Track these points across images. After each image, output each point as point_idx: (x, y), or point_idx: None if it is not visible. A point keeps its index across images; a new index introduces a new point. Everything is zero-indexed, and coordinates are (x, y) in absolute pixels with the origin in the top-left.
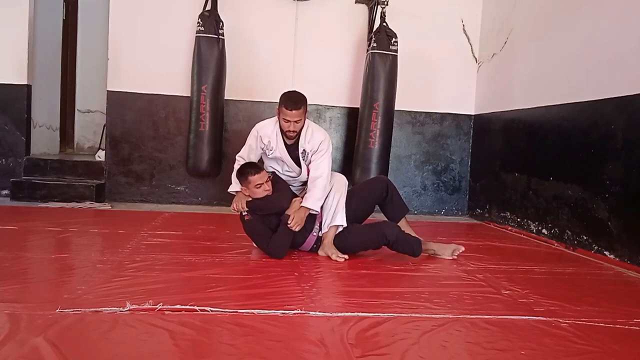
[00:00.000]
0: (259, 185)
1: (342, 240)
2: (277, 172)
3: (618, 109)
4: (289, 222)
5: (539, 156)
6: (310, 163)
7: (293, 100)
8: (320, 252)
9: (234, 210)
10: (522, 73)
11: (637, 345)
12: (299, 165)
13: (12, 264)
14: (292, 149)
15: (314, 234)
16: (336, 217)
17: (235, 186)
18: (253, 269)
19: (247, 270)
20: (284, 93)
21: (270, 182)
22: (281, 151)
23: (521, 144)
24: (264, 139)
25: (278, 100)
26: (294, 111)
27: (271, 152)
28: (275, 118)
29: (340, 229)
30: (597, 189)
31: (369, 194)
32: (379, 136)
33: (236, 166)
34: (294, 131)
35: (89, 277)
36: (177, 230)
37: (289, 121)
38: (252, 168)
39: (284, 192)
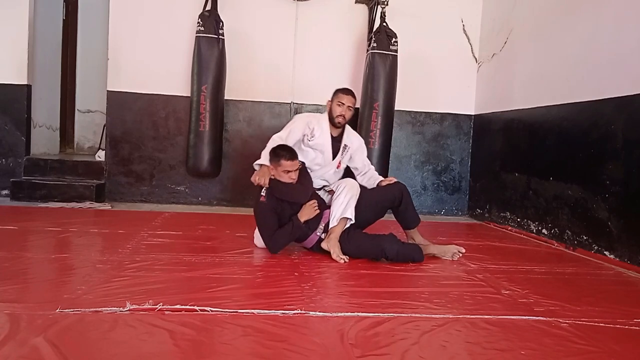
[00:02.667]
0: (287, 172)
1: (340, 244)
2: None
3: (618, 109)
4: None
5: (539, 156)
6: (345, 159)
7: (347, 89)
8: (323, 245)
9: (255, 182)
10: (522, 73)
11: (637, 345)
12: (334, 157)
13: (12, 264)
14: (334, 141)
15: (317, 233)
16: (347, 211)
17: (264, 160)
18: (253, 269)
19: (246, 270)
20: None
21: (297, 173)
22: (325, 139)
23: (521, 144)
24: (310, 125)
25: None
26: (349, 96)
27: (313, 139)
28: (325, 114)
29: (349, 224)
30: (597, 189)
31: (381, 199)
32: (379, 136)
33: (271, 143)
34: (343, 116)
35: (89, 277)
36: (177, 230)
37: (342, 104)
38: (287, 152)
39: (307, 187)
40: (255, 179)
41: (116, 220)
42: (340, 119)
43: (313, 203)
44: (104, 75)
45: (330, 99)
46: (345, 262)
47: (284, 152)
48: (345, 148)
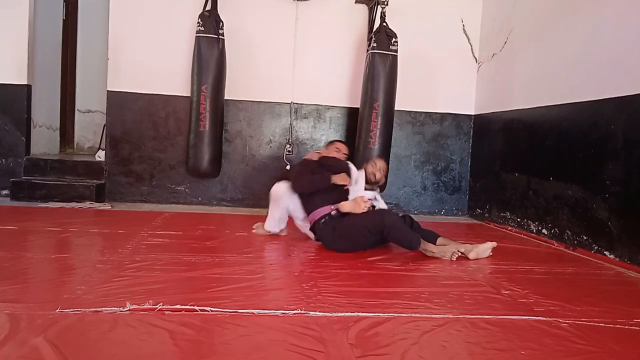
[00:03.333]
0: (337, 150)
1: (342, 226)
2: None
3: (618, 109)
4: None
5: (539, 156)
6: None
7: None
8: (343, 205)
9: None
10: (522, 73)
11: (637, 345)
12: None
13: (12, 264)
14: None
15: (331, 207)
16: (376, 199)
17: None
18: (253, 269)
19: (247, 271)
20: None
21: (344, 156)
22: (361, 183)
23: (521, 144)
24: (352, 167)
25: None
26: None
27: (355, 177)
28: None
29: (375, 204)
30: (597, 189)
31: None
32: (379, 136)
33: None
34: (374, 174)
35: (89, 277)
36: (177, 230)
37: (375, 165)
38: (341, 139)
39: (346, 164)
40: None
41: (116, 220)
42: (371, 177)
43: (349, 177)
44: (104, 75)
45: (366, 163)
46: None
47: (338, 139)
48: (376, 200)
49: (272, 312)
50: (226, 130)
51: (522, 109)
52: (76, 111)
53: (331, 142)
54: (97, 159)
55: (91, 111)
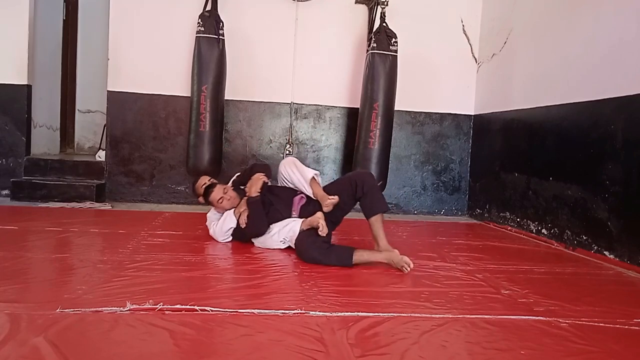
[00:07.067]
0: (220, 200)
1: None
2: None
3: (618, 109)
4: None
5: (538, 156)
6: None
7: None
8: (325, 207)
9: (243, 216)
10: (521, 73)
11: (637, 345)
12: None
13: (12, 264)
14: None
15: (293, 215)
16: (306, 174)
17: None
18: (253, 269)
19: (247, 270)
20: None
21: (230, 191)
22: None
23: (521, 144)
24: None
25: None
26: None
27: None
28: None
29: (319, 179)
30: (597, 189)
31: (343, 183)
32: (379, 136)
33: (212, 231)
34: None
35: (89, 277)
36: (177, 230)
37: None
38: (199, 194)
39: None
40: (240, 214)
41: (116, 220)
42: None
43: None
44: (104, 75)
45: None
46: (336, 201)
47: (199, 196)
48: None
49: (272, 312)
50: (226, 131)
51: (522, 109)
52: (76, 111)
53: (205, 201)
54: (98, 159)
55: (91, 111)
